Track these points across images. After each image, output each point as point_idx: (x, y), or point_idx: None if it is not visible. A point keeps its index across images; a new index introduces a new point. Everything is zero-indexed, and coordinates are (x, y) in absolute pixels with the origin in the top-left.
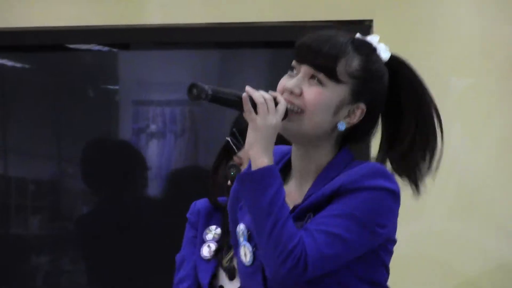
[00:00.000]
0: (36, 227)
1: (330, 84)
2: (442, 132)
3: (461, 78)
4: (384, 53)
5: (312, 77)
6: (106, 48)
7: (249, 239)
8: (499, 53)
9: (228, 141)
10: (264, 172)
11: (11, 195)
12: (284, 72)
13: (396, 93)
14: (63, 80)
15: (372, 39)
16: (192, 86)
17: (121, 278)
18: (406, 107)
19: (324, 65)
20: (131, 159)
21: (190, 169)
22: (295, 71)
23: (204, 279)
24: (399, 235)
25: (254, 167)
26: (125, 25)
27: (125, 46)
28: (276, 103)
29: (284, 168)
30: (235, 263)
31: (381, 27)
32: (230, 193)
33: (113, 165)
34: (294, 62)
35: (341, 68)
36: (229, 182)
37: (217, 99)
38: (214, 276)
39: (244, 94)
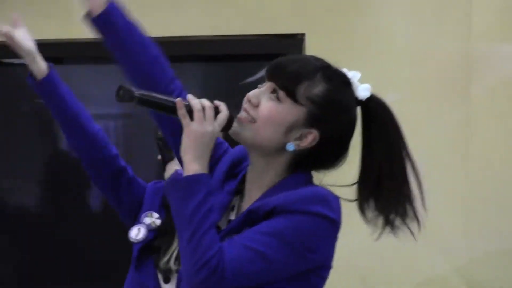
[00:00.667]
0: None
1: (287, 102)
2: (419, 183)
3: (393, 92)
4: (363, 92)
5: (273, 91)
6: None
7: None
8: (431, 65)
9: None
10: (192, 179)
11: None
12: (217, 85)
13: (368, 132)
14: None
15: (354, 75)
16: (119, 88)
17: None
18: (375, 149)
19: (286, 83)
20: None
21: None
22: (261, 86)
23: (132, 260)
24: None
25: (185, 173)
26: (58, 39)
27: (58, 61)
28: (218, 112)
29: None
30: (171, 264)
31: (314, 41)
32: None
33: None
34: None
35: (301, 89)
36: (159, 157)
37: (145, 101)
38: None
39: (178, 99)
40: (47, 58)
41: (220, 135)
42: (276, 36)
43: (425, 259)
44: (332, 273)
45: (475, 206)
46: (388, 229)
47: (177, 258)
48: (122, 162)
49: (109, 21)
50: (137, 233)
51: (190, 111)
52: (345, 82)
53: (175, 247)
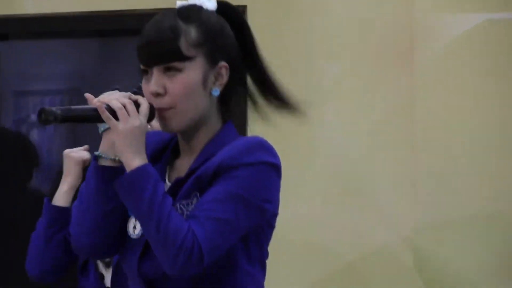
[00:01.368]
0: None
1: (185, 65)
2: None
3: (336, 62)
4: (210, 3)
5: (167, 69)
6: None
7: None
8: (375, 36)
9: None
10: (137, 174)
11: None
12: None
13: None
14: None
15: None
16: (40, 112)
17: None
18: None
19: (169, 55)
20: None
21: None
22: (149, 74)
23: (78, 264)
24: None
25: (128, 171)
26: (2, 15)
27: (3, 37)
28: (138, 105)
29: (175, 145)
30: None
31: (256, 13)
32: None
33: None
34: (143, 67)
35: (184, 46)
36: None
37: (69, 118)
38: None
39: (98, 104)
40: None
41: (147, 126)
42: None
43: (372, 230)
44: (277, 244)
45: (422, 177)
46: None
47: None
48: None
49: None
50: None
51: (112, 112)
52: (199, 9)
53: None
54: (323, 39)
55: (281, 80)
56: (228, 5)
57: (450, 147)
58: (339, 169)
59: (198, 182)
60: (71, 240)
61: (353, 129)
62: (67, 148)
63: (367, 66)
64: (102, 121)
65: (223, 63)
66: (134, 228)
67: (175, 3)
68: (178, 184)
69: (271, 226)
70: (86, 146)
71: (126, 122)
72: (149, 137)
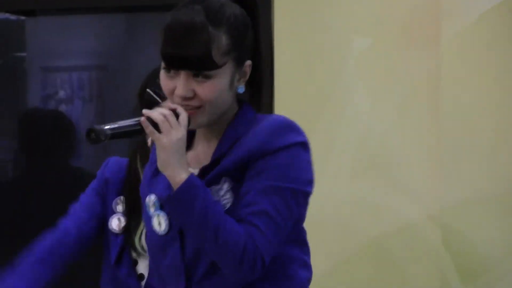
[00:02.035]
0: None
1: (216, 72)
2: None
3: (362, 37)
4: None
5: (196, 75)
6: (13, 17)
7: (162, 208)
8: (402, 12)
9: (149, 93)
10: (185, 188)
11: None
12: None
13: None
14: None
15: None
16: (90, 131)
17: None
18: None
19: (201, 63)
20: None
21: None
22: (172, 72)
23: (112, 254)
24: None
25: (175, 187)
26: None
27: (30, 13)
28: (177, 115)
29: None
30: (143, 242)
31: None
32: (149, 158)
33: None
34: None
35: (215, 54)
36: (149, 142)
37: (117, 135)
38: (122, 251)
39: (142, 118)
40: (20, 11)
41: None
42: None
43: (398, 207)
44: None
45: (448, 154)
46: None
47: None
48: (96, 222)
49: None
50: (118, 223)
51: (154, 125)
52: (224, 10)
53: (143, 226)
54: (349, 15)
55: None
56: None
57: (477, 124)
58: (365, 145)
59: (227, 169)
60: None
61: (379, 105)
62: (95, 123)
63: (393, 42)
64: (144, 133)
65: (248, 62)
66: (159, 224)
67: None
68: (204, 172)
69: (307, 204)
70: None
71: (168, 135)
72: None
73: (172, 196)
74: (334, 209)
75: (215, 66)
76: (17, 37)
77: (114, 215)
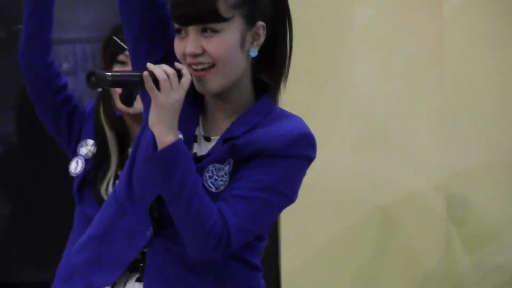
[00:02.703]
0: None
1: (223, 27)
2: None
3: (366, 7)
4: None
5: (204, 30)
6: None
7: None
8: None
9: (114, 39)
10: (170, 150)
11: None
12: None
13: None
14: None
15: None
16: (90, 75)
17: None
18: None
19: (207, 16)
20: None
21: None
22: (183, 33)
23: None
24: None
25: (160, 147)
26: None
27: None
28: (180, 76)
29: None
30: (110, 191)
31: None
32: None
33: None
34: (177, 25)
35: (222, 7)
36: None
37: (117, 82)
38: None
39: (145, 73)
40: None
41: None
42: None
43: (403, 178)
44: (309, 193)
45: (453, 121)
46: None
47: (114, 184)
48: (69, 92)
49: None
50: (75, 166)
51: (155, 81)
52: None
53: (111, 173)
54: None
55: (312, 27)
56: None
57: (480, 94)
58: (370, 116)
59: (234, 151)
60: None
61: (383, 75)
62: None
63: (397, 12)
64: (144, 88)
65: (260, 23)
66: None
67: None
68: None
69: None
70: None
71: (167, 95)
72: None
73: (155, 155)
74: (339, 179)
75: (222, 19)
76: (20, 10)
77: (75, 157)
